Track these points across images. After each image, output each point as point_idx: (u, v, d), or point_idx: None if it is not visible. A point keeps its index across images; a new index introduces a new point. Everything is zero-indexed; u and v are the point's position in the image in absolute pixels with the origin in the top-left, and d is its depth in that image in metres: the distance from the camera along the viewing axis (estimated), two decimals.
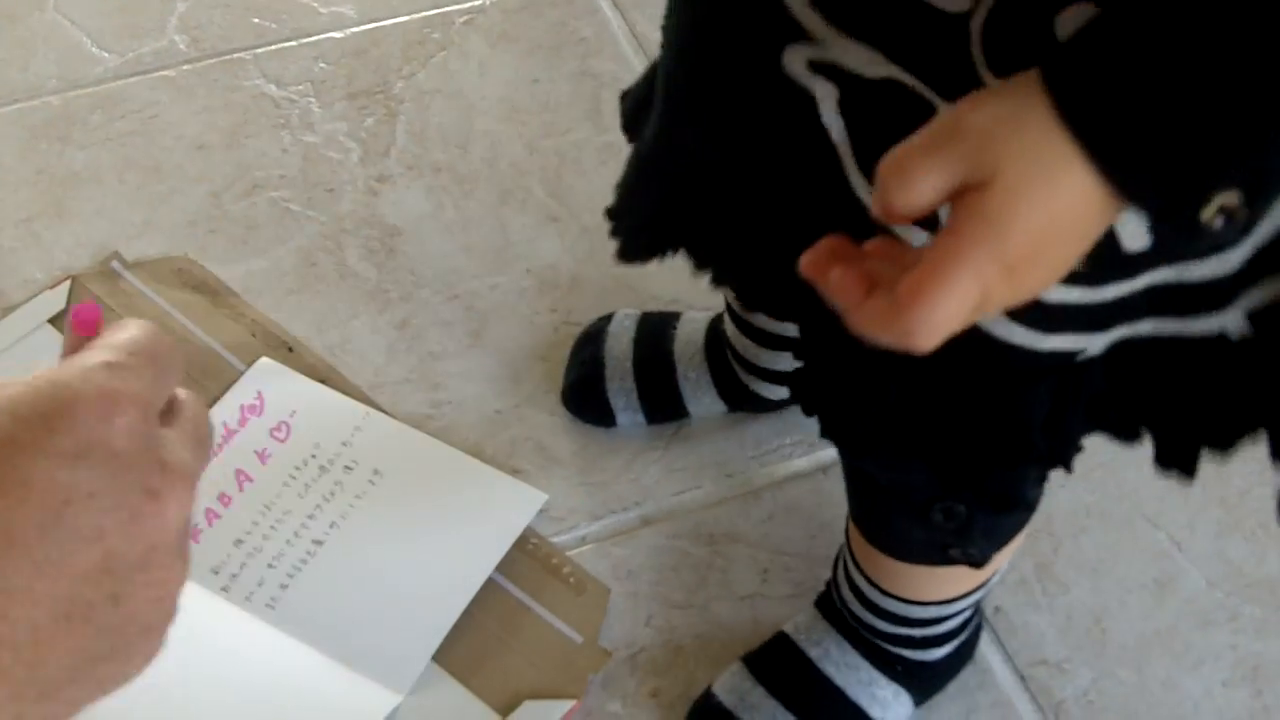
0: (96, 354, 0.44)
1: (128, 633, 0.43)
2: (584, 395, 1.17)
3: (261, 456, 1.11)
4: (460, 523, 1.08)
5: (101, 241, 1.26)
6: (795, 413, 1.16)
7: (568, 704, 1.00)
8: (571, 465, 1.14)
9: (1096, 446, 1.14)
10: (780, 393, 1.14)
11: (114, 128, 1.36)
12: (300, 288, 1.24)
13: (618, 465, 1.14)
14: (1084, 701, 1.03)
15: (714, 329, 1.16)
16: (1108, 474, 1.14)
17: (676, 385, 1.15)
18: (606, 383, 1.16)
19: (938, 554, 0.86)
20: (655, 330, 1.18)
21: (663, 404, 1.16)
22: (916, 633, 0.97)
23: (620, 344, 1.17)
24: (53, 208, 1.29)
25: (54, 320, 1.18)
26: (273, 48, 1.44)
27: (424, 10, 1.47)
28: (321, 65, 1.42)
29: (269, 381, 1.15)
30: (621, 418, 1.16)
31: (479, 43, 1.44)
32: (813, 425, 1.13)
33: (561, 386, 1.18)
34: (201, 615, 1.01)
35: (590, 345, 1.18)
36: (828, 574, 1.06)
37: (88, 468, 0.41)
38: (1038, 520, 1.10)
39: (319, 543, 1.06)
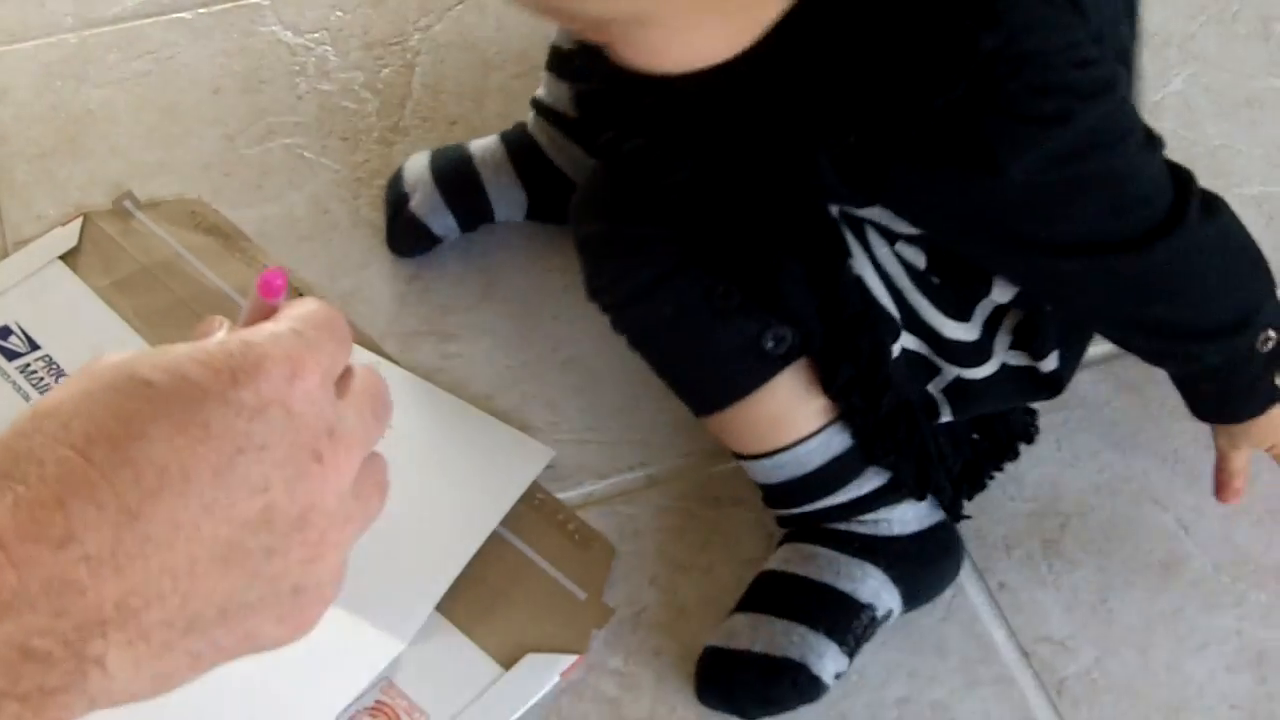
0: (284, 322, 0.47)
1: (278, 589, 0.45)
2: (396, 225, 1.23)
3: None
4: (466, 474, 1.07)
5: (115, 180, 1.25)
6: None
7: (570, 658, 1.00)
8: (579, 423, 1.13)
9: (1106, 428, 1.15)
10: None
11: (130, 67, 1.35)
12: (313, 235, 1.23)
13: (626, 425, 1.14)
14: (1087, 680, 1.03)
15: (514, 140, 1.23)
16: (1116, 454, 1.14)
17: (482, 187, 1.22)
18: (414, 205, 1.21)
19: (753, 353, 0.96)
20: (449, 151, 1.24)
21: (470, 206, 1.22)
22: (820, 504, 1.01)
23: (418, 166, 1.23)
24: (67, 145, 1.28)
25: (64, 257, 1.17)
26: None
27: None
28: (338, 14, 1.41)
29: None
30: (436, 229, 1.21)
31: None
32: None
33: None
34: None
35: (392, 187, 1.24)
36: None
37: (264, 421, 0.44)
38: (1045, 498, 1.11)
39: None
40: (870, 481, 1.01)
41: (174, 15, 1.40)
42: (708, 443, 1.13)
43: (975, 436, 1.09)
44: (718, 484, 1.11)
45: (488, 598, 1.02)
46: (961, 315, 0.99)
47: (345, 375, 0.49)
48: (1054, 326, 1.00)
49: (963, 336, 0.99)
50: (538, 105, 1.21)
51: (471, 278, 1.22)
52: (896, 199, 0.88)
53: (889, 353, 0.97)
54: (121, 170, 1.26)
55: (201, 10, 1.40)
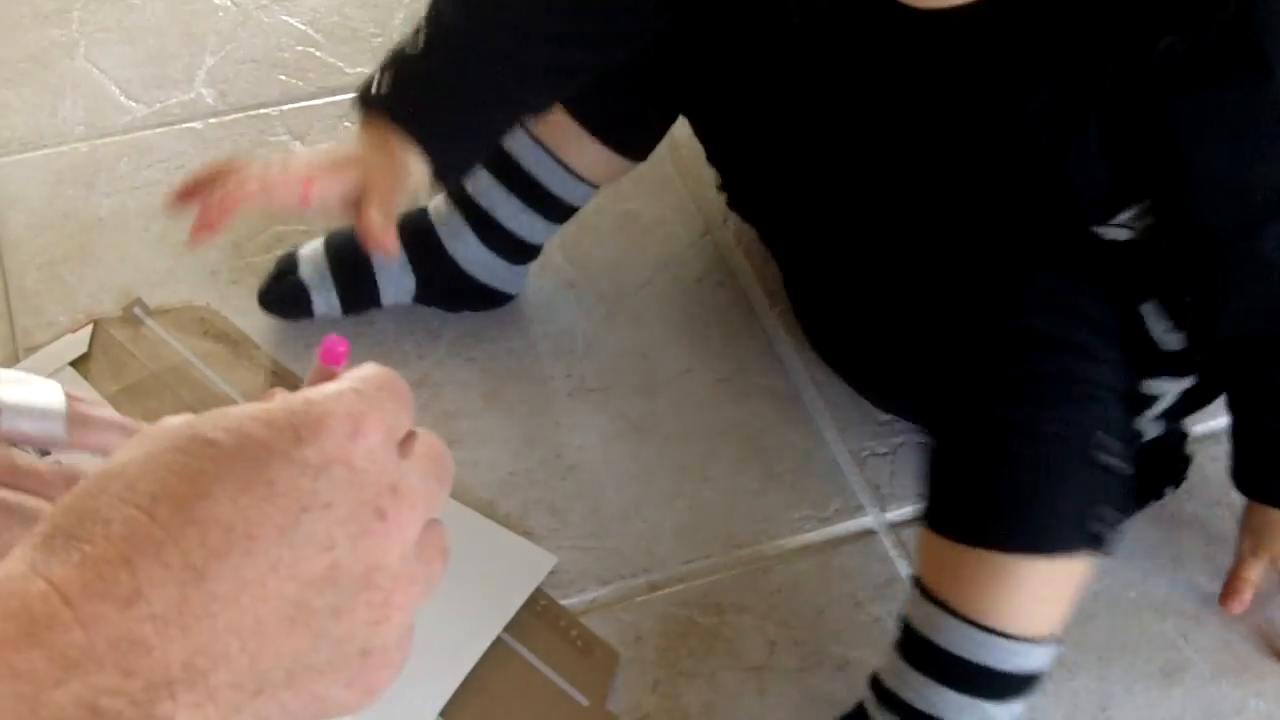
0: (346, 382, 0.47)
1: (345, 650, 0.45)
2: (278, 288, 1.24)
3: None
4: (469, 581, 1.08)
5: (124, 287, 1.27)
6: (806, 485, 1.17)
7: None
8: (582, 529, 1.14)
9: None
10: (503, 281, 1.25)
11: (140, 176, 1.37)
12: (318, 341, 1.24)
13: (628, 531, 1.14)
14: None
15: (409, 222, 1.22)
16: (1117, 562, 1.14)
17: (371, 269, 1.23)
18: (300, 271, 1.23)
19: (1078, 528, 0.91)
20: (346, 233, 1.22)
21: (357, 288, 1.23)
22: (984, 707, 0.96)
23: (313, 245, 1.25)
24: (77, 252, 1.30)
25: (75, 363, 1.19)
26: (298, 105, 1.45)
27: None
28: (346, 124, 1.43)
29: None
30: (317, 302, 1.23)
31: None
32: (822, 500, 1.15)
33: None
34: None
35: (286, 254, 1.26)
36: (834, 649, 1.07)
37: (328, 479, 0.44)
38: None
39: None
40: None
41: (184, 125, 1.42)
42: (710, 550, 1.14)
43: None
44: (720, 591, 1.12)
45: (491, 705, 1.02)
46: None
47: (408, 438, 0.49)
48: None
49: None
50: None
51: (476, 384, 1.23)
52: (1168, 148, 0.87)
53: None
54: (131, 277, 1.28)
55: (212, 120, 1.43)
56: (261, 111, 1.44)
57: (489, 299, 1.25)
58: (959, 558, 0.94)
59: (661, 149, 1.38)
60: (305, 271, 1.23)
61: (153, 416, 1.16)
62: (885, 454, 1.20)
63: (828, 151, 1.03)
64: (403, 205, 1.05)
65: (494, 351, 1.25)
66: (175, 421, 0.45)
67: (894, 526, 1.16)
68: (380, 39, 1.52)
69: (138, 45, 1.50)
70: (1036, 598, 0.93)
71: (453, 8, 1.03)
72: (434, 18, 1.03)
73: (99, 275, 1.28)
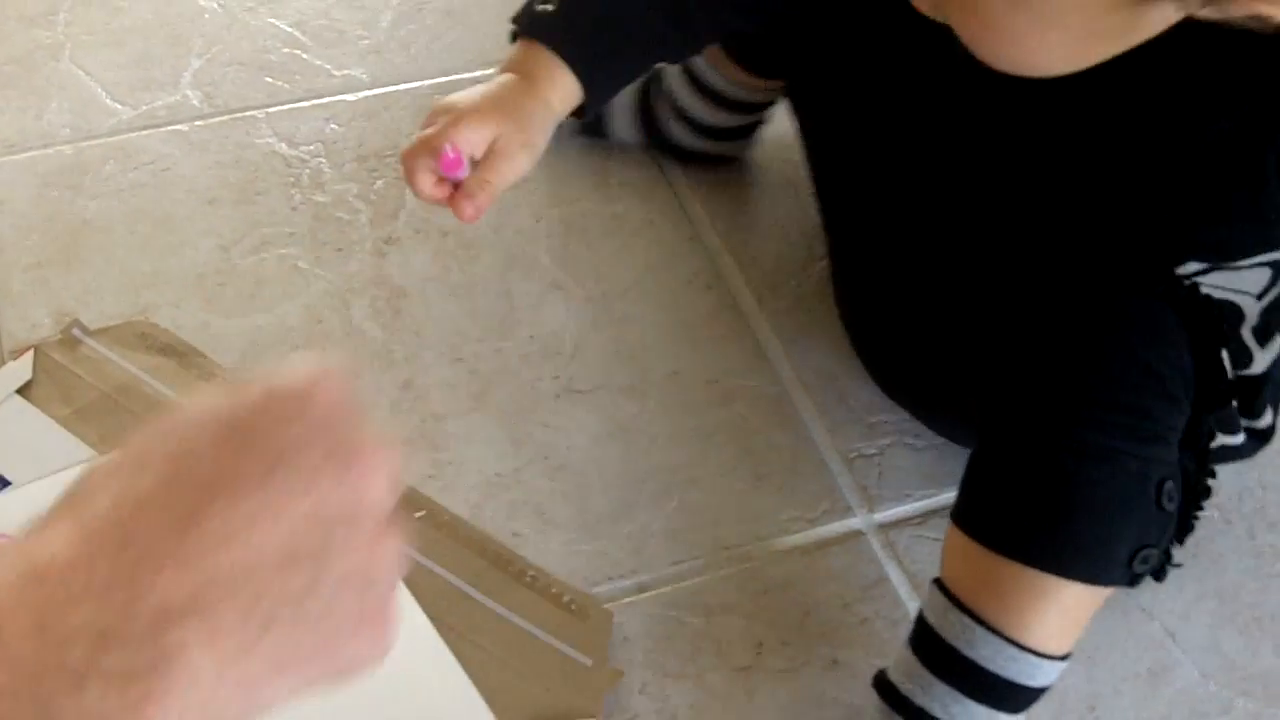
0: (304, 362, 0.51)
1: (345, 591, 0.47)
2: None
3: None
4: None
5: (110, 289, 1.26)
6: (795, 486, 1.17)
7: None
8: (570, 530, 1.14)
9: None
10: (697, 144, 1.38)
11: (126, 179, 1.37)
12: (306, 344, 1.24)
13: (616, 532, 1.14)
14: None
15: (643, 87, 1.36)
16: None
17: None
18: None
19: (1126, 563, 0.92)
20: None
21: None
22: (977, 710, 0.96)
23: None
24: (62, 255, 1.29)
25: (21, 391, 1.17)
26: (285, 107, 1.45)
27: (434, 77, 1.49)
28: (333, 126, 1.43)
29: None
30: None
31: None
32: (810, 501, 1.15)
33: None
34: None
35: None
36: (822, 650, 1.06)
37: (301, 427, 0.47)
38: None
39: None
40: None
41: (170, 127, 1.42)
42: (698, 551, 1.14)
43: None
44: (708, 592, 1.11)
45: (496, 676, 1.02)
46: None
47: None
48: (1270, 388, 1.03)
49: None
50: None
51: (463, 385, 1.23)
52: None
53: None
54: (117, 280, 1.27)
55: (198, 123, 1.42)
56: (248, 114, 1.44)
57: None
58: (1001, 571, 0.93)
59: (649, 153, 1.38)
60: None
61: (110, 436, 1.19)
62: (874, 455, 1.20)
63: (937, 156, 1.04)
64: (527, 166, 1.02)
65: (481, 353, 1.25)
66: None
67: (882, 528, 1.16)
68: (367, 41, 1.52)
69: (123, 48, 1.50)
70: (1070, 619, 0.94)
71: None
72: None
73: (85, 278, 1.28)
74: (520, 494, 1.16)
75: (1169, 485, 0.92)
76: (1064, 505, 0.92)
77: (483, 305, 1.28)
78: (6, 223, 1.32)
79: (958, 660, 0.94)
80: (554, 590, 1.08)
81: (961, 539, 0.95)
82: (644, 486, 1.17)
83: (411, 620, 1.05)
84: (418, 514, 1.12)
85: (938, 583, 0.97)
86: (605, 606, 1.08)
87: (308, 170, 1.38)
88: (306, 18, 1.54)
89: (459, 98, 1.00)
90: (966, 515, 0.96)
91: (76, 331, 1.22)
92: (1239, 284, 0.96)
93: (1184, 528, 1.01)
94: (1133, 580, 0.94)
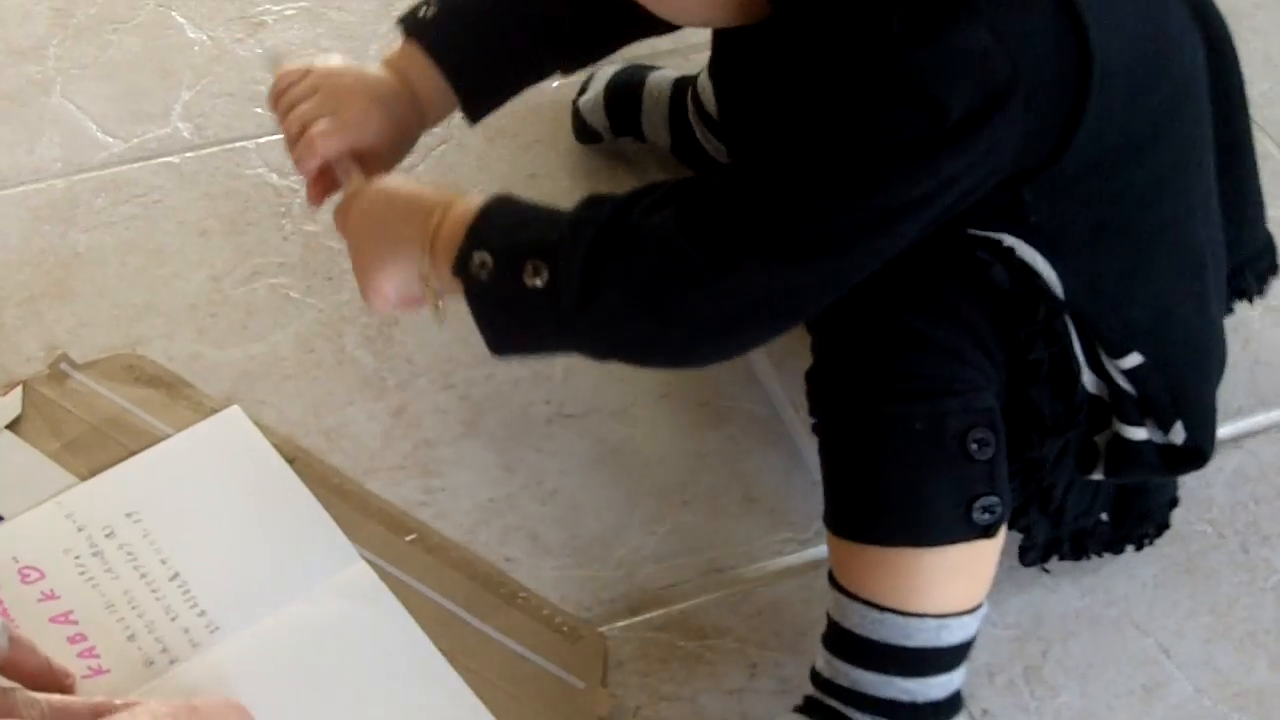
0: None
1: None
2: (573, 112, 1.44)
3: None
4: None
5: (103, 322, 1.27)
6: (787, 507, 1.17)
7: None
8: (562, 555, 1.14)
9: None
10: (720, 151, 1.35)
11: (117, 211, 1.37)
12: (298, 373, 1.25)
13: (608, 556, 1.14)
14: None
15: (679, 86, 1.38)
16: (1097, 580, 1.15)
17: (640, 100, 1.40)
18: (580, 99, 1.43)
19: (962, 519, 0.92)
20: (630, 74, 1.42)
21: (625, 118, 1.42)
22: (903, 685, 0.97)
23: (607, 69, 1.43)
24: (55, 288, 1.30)
25: (10, 426, 1.17)
26: (275, 137, 1.45)
27: None
28: None
29: None
30: (592, 122, 1.43)
31: (477, 137, 1.46)
32: (803, 522, 1.15)
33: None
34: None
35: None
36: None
37: None
38: (1027, 623, 1.12)
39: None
40: (954, 682, 0.99)
41: (161, 159, 1.42)
42: (691, 573, 1.14)
43: (1104, 518, 1.10)
44: (701, 614, 1.11)
45: (491, 699, 1.02)
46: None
47: None
48: (1167, 391, 1.01)
49: (1128, 387, 1.01)
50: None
51: (455, 411, 1.23)
52: None
53: (1081, 388, 0.98)
54: (109, 312, 1.28)
55: (189, 154, 1.43)
56: (238, 145, 1.45)
57: None
58: (851, 551, 0.96)
59: (637, 176, 1.39)
60: (585, 102, 1.43)
61: (99, 468, 1.19)
62: None
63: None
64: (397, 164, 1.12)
65: (472, 378, 1.25)
66: None
67: None
68: None
69: (114, 81, 1.50)
70: (933, 582, 0.95)
71: None
72: None
73: (77, 311, 1.28)
74: (513, 519, 1.16)
75: (975, 433, 0.92)
76: (871, 479, 0.95)
77: (474, 331, 1.28)
78: None
79: (840, 633, 0.98)
80: (545, 612, 1.09)
81: (829, 534, 0.99)
82: (636, 510, 1.17)
83: (416, 644, 1.05)
84: (408, 538, 1.12)
85: (830, 578, 0.99)
86: (599, 630, 1.08)
87: (298, 200, 1.39)
88: (295, 48, 1.55)
89: (329, 85, 1.08)
90: (826, 512, 0.99)
91: (64, 366, 1.22)
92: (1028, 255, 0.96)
93: (1128, 538, 1.11)
94: (982, 532, 0.94)
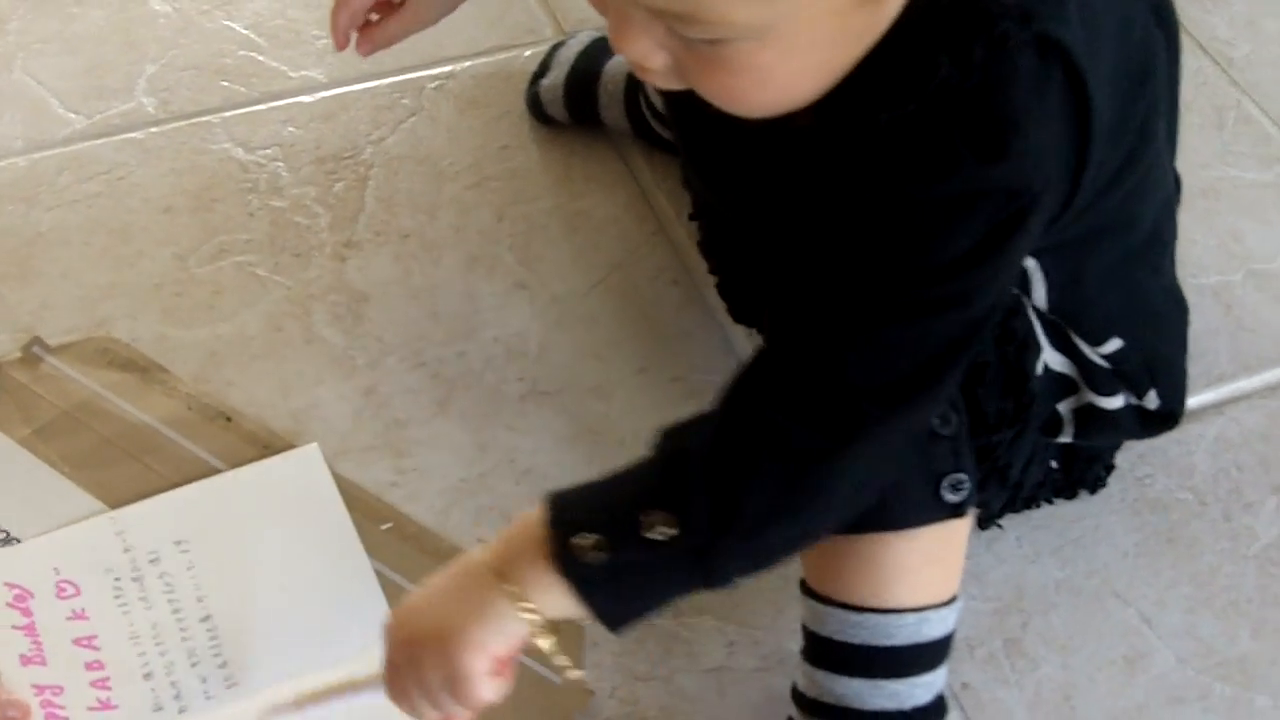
0: None
1: None
2: (530, 91, 1.43)
3: None
4: None
5: (67, 303, 1.25)
6: None
7: None
8: None
9: (1068, 523, 1.14)
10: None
11: (81, 189, 1.35)
12: (266, 353, 1.23)
13: None
14: None
15: (633, 79, 1.36)
16: (1078, 550, 1.14)
17: (596, 94, 1.39)
18: (540, 84, 1.42)
19: (931, 497, 0.91)
20: (587, 63, 1.41)
21: (584, 109, 1.41)
22: (890, 689, 0.95)
23: (568, 53, 1.42)
24: (17, 269, 1.28)
25: None
26: (241, 111, 1.43)
27: (393, 75, 1.47)
28: (290, 129, 1.42)
29: None
30: (551, 112, 1.42)
31: (448, 108, 1.44)
32: None
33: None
34: None
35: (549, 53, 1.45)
36: (794, 646, 1.05)
37: None
38: (1007, 595, 1.11)
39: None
40: (938, 683, 0.97)
41: (125, 135, 1.40)
42: None
43: (1054, 465, 1.10)
44: None
45: None
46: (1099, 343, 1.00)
47: None
48: (1144, 367, 1.01)
49: (1104, 364, 1.00)
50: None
51: (426, 390, 1.21)
52: None
53: (1032, 367, 0.97)
54: (73, 293, 1.26)
55: (153, 129, 1.41)
56: (204, 119, 1.42)
57: None
58: (821, 548, 0.94)
59: (613, 147, 1.37)
60: (545, 87, 1.42)
61: (71, 455, 1.18)
62: None
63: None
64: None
65: (444, 356, 1.24)
66: None
67: None
68: (324, 41, 1.50)
69: (77, 55, 1.48)
70: (906, 568, 0.93)
71: None
72: None
73: (41, 292, 1.26)
74: (486, 499, 1.15)
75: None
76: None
77: (445, 308, 1.27)
78: None
79: (819, 643, 0.96)
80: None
81: None
82: None
83: None
84: (384, 526, 1.11)
85: (803, 586, 0.97)
86: (576, 623, 1.06)
87: (265, 175, 1.37)
88: (263, 19, 1.53)
89: None
90: None
91: (37, 349, 1.20)
92: None
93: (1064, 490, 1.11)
94: (951, 511, 0.92)
